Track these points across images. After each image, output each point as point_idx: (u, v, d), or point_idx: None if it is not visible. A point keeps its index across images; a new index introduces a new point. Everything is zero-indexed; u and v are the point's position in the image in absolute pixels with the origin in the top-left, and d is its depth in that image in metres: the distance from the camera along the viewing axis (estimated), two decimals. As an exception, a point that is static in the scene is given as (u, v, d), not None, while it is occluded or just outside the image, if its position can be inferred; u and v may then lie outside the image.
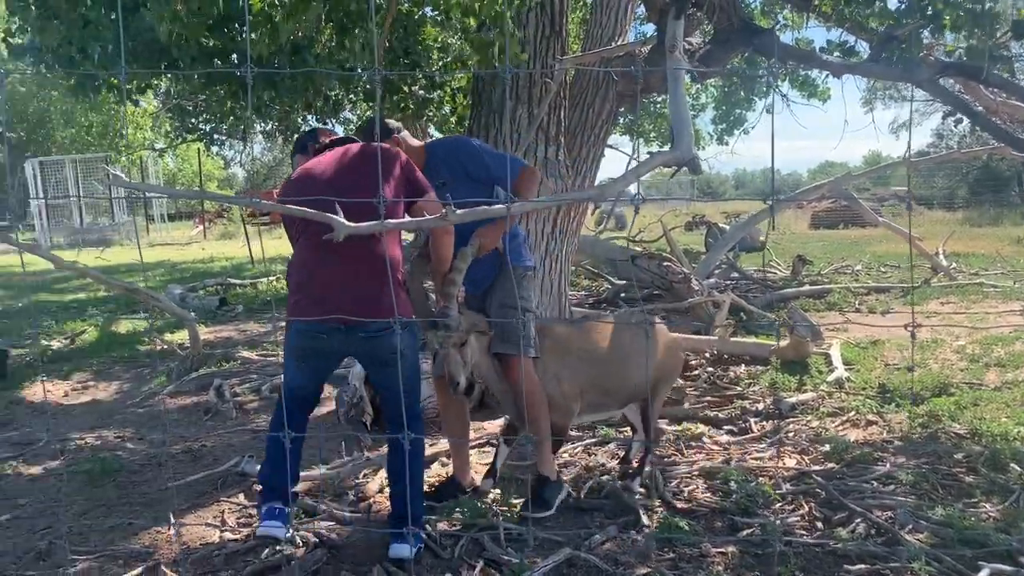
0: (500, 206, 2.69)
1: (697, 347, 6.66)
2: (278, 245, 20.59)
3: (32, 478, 4.49)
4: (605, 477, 4.14)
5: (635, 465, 4.12)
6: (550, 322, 4.15)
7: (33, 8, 5.68)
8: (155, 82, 8.17)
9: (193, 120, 11.82)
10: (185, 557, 3.35)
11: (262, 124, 12.41)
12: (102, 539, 3.60)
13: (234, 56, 7.28)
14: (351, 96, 9.57)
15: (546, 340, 3.81)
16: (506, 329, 3.61)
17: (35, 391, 6.45)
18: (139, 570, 3.24)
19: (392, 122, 3.91)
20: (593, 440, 4.77)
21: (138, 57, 5.98)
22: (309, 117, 10.27)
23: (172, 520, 3.74)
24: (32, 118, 32.04)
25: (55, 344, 8.25)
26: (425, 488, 4.00)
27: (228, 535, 3.58)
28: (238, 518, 3.80)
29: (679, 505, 3.78)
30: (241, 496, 4.06)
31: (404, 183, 3.27)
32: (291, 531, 3.39)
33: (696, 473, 4.19)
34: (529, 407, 3.66)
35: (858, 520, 3.49)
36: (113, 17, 5.81)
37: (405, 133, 3.83)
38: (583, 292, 10.58)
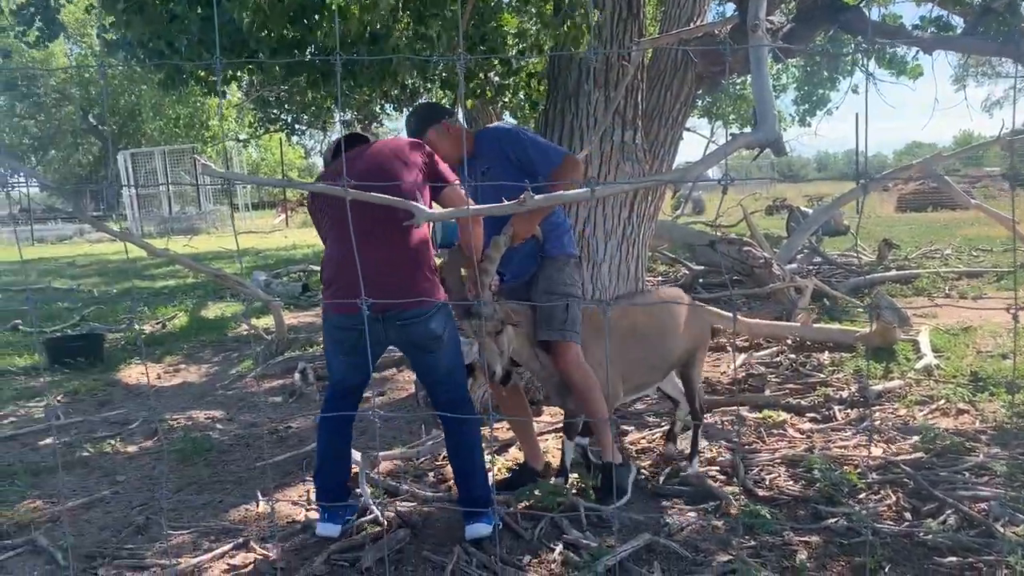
0: (584, 190, 2.62)
1: (779, 333, 6.53)
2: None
3: (129, 456, 4.69)
4: (684, 464, 4.11)
5: (681, 445, 4.24)
6: (587, 305, 4.09)
7: (122, 4, 5.89)
8: (239, 74, 8.36)
9: (275, 111, 12.11)
10: (274, 534, 3.46)
11: (341, 113, 12.62)
12: (195, 515, 3.75)
13: (312, 47, 7.42)
14: (428, 84, 9.64)
15: (586, 326, 3.74)
16: (550, 316, 3.58)
17: (130, 373, 6.74)
18: (230, 546, 3.37)
19: (444, 107, 3.88)
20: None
21: (222, 49, 6.14)
22: (387, 105, 10.41)
23: (261, 498, 3.87)
24: (123, 111, 33.34)
25: (148, 328, 8.59)
26: (500, 475, 4.04)
27: (314, 514, 3.69)
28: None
29: (760, 493, 3.72)
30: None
31: (427, 174, 3.31)
32: (375, 511, 3.47)
33: (778, 461, 4.11)
34: (581, 393, 3.64)
35: (949, 511, 3.37)
36: (199, 11, 5.99)
37: (456, 119, 3.81)
38: (660, 278, 10.46)
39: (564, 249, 3.76)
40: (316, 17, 6.45)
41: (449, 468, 4.13)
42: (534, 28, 8.87)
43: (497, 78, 9.46)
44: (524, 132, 3.72)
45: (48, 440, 5.02)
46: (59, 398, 6.04)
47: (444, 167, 3.38)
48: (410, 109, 3.76)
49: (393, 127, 33.55)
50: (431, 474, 4.16)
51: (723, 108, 20.69)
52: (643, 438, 4.54)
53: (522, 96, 9.73)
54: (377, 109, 13.40)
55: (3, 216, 33.46)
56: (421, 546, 3.28)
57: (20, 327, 8.93)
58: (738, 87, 17.91)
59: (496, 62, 8.76)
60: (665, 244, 10.81)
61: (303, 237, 21.21)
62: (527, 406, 4.12)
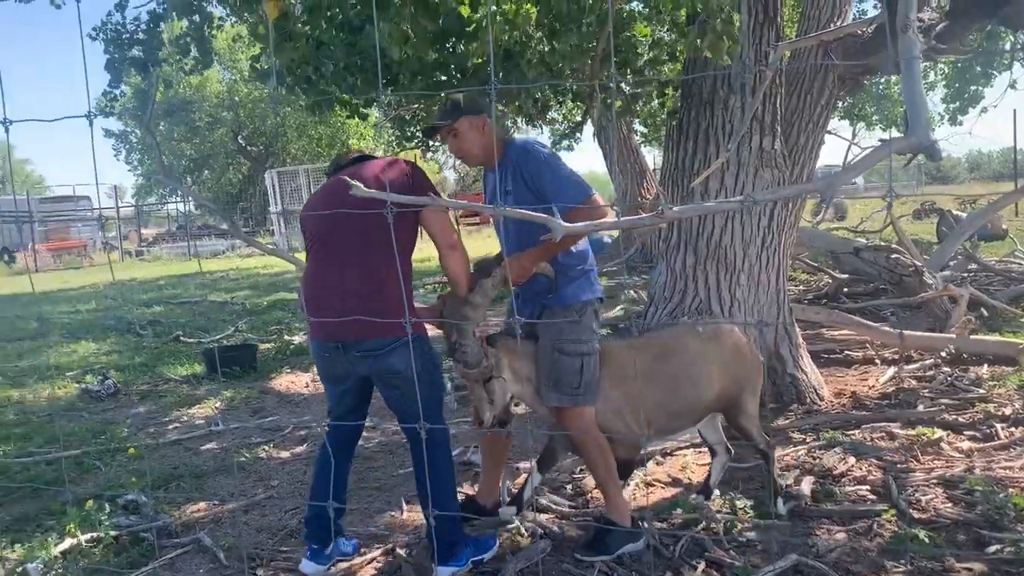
0: (737, 198, 2.38)
1: (932, 345, 6.18)
2: (488, 245, 21.33)
3: (282, 461, 4.94)
4: (834, 484, 3.94)
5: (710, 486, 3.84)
6: (605, 342, 3.54)
7: (273, 33, 6.25)
8: (382, 96, 8.66)
9: (411, 128, 12.48)
10: (419, 540, 3.56)
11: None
12: (343, 521, 3.90)
13: (451, 66, 7.61)
14: (559, 97, 9.70)
15: (602, 368, 3.34)
16: (558, 377, 3.21)
17: (281, 382, 7.09)
18: (378, 551, 3.49)
19: (485, 103, 3.51)
20: (818, 443, 4.55)
21: (364, 73, 6.40)
22: (519, 120, 10.54)
23: (404, 505, 4.00)
24: (269, 133, 35.24)
25: (296, 339, 9.01)
26: (640, 492, 4.00)
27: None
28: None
29: (916, 515, 3.53)
30: (466, 485, 4.25)
31: (406, 190, 3.04)
32: (516, 523, 3.51)
33: (934, 481, 3.88)
34: (584, 456, 3.39)
35: None
36: (343, 37, 6.27)
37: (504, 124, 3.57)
38: (801, 287, 10.11)
39: (578, 296, 3.30)
40: (454, 39, 6.64)
41: (587, 481, 4.14)
42: (668, 37, 8.78)
43: (627, 88, 9.43)
44: (546, 155, 3.24)
45: (210, 445, 5.36)
46: (217, 405, 6.43)
47: (427, 185, 3.14)
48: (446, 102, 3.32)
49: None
50: (569, 487, 4.17)
51: (863, 109, 19.80)
52: (787, 454, 4.39)
53: (656, 104, 9.64)
54: (508, 124, 13.61)
55: (163, 233, 36.02)
56: (561, 558, 3.30)
57: (181, 338, 9.55)
58: (881, 87, 17.10)
59: (628, 71, 8.73)
60: (806, 252, 10.43)
61: (432, 250, 21.73)
62: (506, 444, 3.79)
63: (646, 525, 3.48)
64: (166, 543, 3.73)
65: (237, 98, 33.86)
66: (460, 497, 3.81)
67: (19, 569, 3.48)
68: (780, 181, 5.50)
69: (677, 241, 5.64)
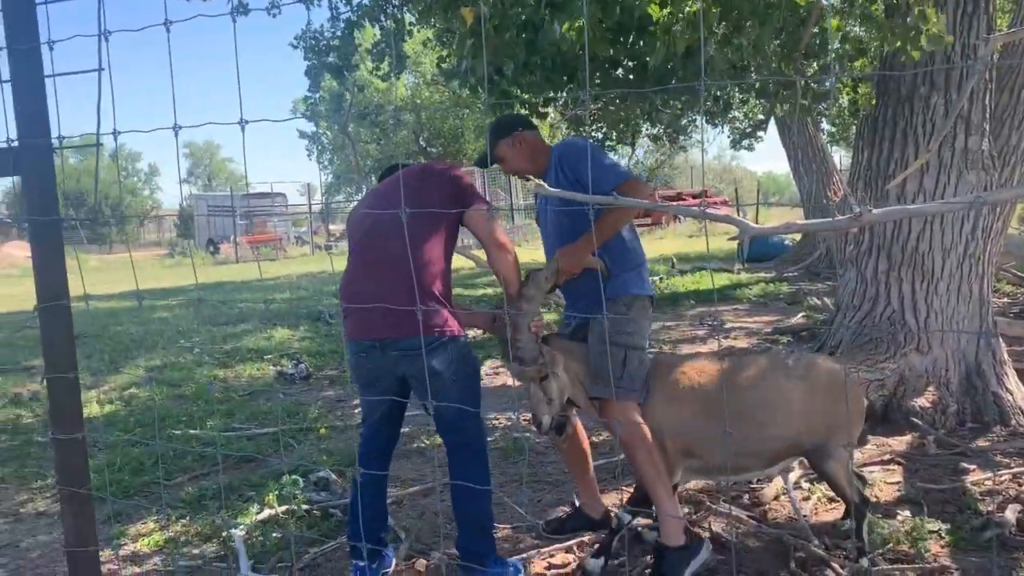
0: (968, 197, 2.21)
1: None
2: (659, 245, 21.06)
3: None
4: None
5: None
6: (666, 358, 3.37)
7: (456, 34, 6.46)
8: (560, 94, 8.78)
9: (587, 128, 12.54)
10: (598, 540, 3.59)
11: (649, 127, 12.76)
12: (514, 512, 3.99)
13: (628, 63, 7.57)
14: (741, 95, 9.45)
15: (651, 379, 3.18)
16: (600, 367, 3.09)
17: (456, 374, 7.32)
18: (552, 547, 3.54)
19: (518, 117, 3.58)
20: None
21: (545, 70, 6.49)
22: (698, 118, 10.36)
23: (576, 500, 4.03)
24: (448, 134, 36.44)
25: (471, 333, 9.28)
26: (821, 506, 3.82)
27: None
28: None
29: None
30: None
31: (448, 197, 3.09)
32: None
33: None
34: (631, 460, 3.16)
35: None
36: (523, 36, 6.40)
37: (534, 132, 3.44)
38: (1006, 299, 9.31)
39: (627, 288, 3.25)
40: (633, 36, 6.61)
41: (765, 491, 4.02)
42: (860, 31, 8.35)
43: (815, 84, 9.03)
44: (584, 146, 3.26)
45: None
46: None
47: (470, 188, 3.16)
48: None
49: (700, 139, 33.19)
50: (745, 496, 4.05)
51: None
52: (988, 479, 4.06)
53: (844, 102, 9.19)
54: (684, 122, 13.40)
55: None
56: (740, 569, 3.21)
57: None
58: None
59: (814, 67, 8.36)
60: (1012, 261, 9.60)
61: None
62: (584, 448, 3.70)
63: (706, 535, 3.36)
64: (352, 520, 3.96)
65: (419, 101, 35.24)
66: (567, 509, 3.83)
67: (225, 533, 3.81)
68: (988, 184, 5.10)
69: (869, 246, 5.35)
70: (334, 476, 4.37)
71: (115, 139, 2.05)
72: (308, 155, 41.22)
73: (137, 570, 3.58)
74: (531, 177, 3.15)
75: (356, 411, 6.21)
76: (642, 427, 3.08)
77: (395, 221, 2.92)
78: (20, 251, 36.40)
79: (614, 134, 12.61)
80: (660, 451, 3.09)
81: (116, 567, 3.59)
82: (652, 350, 3.49)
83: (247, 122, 1.84)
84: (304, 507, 4.01)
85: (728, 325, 8.70)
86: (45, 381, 2.07)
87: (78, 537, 2.18)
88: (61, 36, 2.05)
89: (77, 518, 2.17)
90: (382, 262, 3.05)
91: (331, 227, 38.62)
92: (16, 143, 2.09)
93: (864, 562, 3.07)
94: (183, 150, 68.38)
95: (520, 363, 2.98)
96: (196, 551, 3.73)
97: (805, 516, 3.66)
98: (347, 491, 4.26)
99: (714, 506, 3.82)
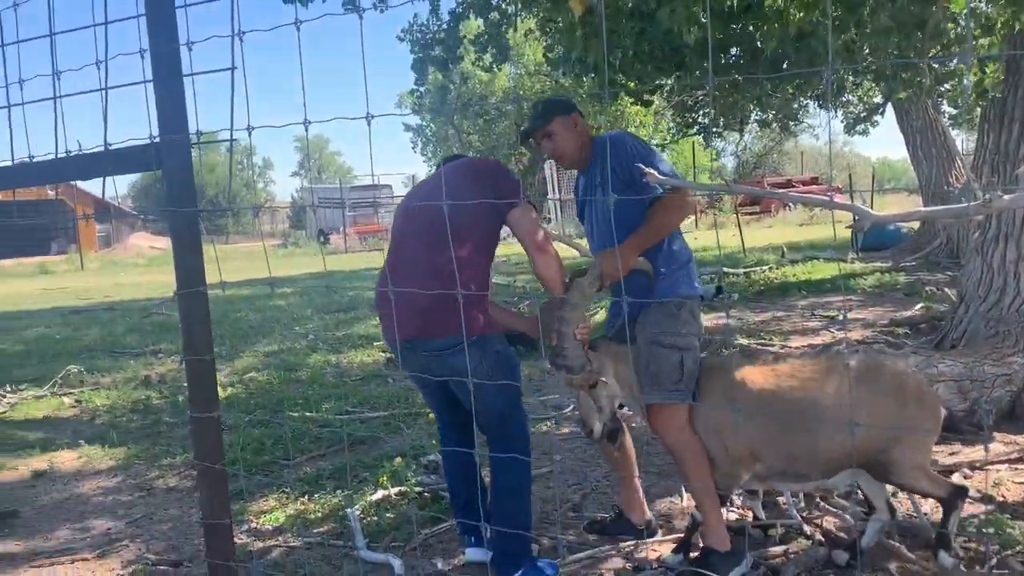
0: None
1: None
2: (768, 234, 20.53)
3: (563, 438, 5.15)
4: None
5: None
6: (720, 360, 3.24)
7: (560, 23, 6.48)
8: (667, 81, 8.68)
9: (693, 115, 12.35)
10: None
11: (759, 113, 12.46)
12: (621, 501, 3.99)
13: (733, 49, 7.41)
14: (856, 78, 9.10)
15: (706, 380, 3.08)
16: (656, 373, 3.00)
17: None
18: (659, 536, 3.54)
19: (567, 100, 3.40)
20: None
21: (653, 58, 6.44)
22: (810, 104, 10.05)
23: (684, 493, 4.00)
24: (550, 123, 36.47)
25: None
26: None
27: (732, 515, 3.71)
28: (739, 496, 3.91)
29: None
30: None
31: (490, 196, 2.97)
32: (798, 523, 3.39)
33: None
34: (679, 464, 3.11)
35: None
36: (632, 25, 6.36)
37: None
38: None
39: (676, 290, 3.12)
40: (742, 21, 6.47)
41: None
42: (987, 7, 7.91)
43: (936, 65, 8.62)
44: (634, 144, 3.12)
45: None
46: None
47: (509, 186, 3.08)
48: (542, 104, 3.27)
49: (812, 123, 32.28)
50: (860, 492, 3.93)
51: None
52: None
53: (968, 82, 8.72)
54: (796, 107, 13.01)
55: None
56: (849, 570, 3.13)
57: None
58: None
59: (937, 48, 7.98)
60: None
61: (712, 239, 21.32)
62: (630, 453, 3.59)
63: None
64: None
65: (521, 92, 35.36)
66: (610, 514, 3.74)
67: (340, 512, 3.96)
68: None
69: (996, 233, 5.10)
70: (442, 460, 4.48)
71: (249, 134, 2.16)
72: (412, 147, 42.08)
73: (261, 544, 3.76)
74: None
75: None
76: (692, 434, 3.05)
77: (432, 218, 2.91)
78: (145, 242, 38.59)
79: (721, 120, 12.39)
80: (722, 454, 3.02)
81: (241, 540, 3.79)
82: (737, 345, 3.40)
83: (373, 116, 1.91)
84: (416, 489, 4.13)
85: (842, 316, 8.43)
86: (184, 362, 2.20)
87: (213, 510, 2.32)
88: (198, 38, 2.17)
89: (212, 492, 2.31)
90: (414, 260, 3.02)
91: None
92: (157, 139, 2.22)
93: (943, 556, 2.92)
94: (294, 144, 70.89)
95: (568, 371, 2.92)
96: (315, 529, 3.90)
97: (926, 514, 3.53)
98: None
99: (822, 503, 3.72)
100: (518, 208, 3.00)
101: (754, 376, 3.08)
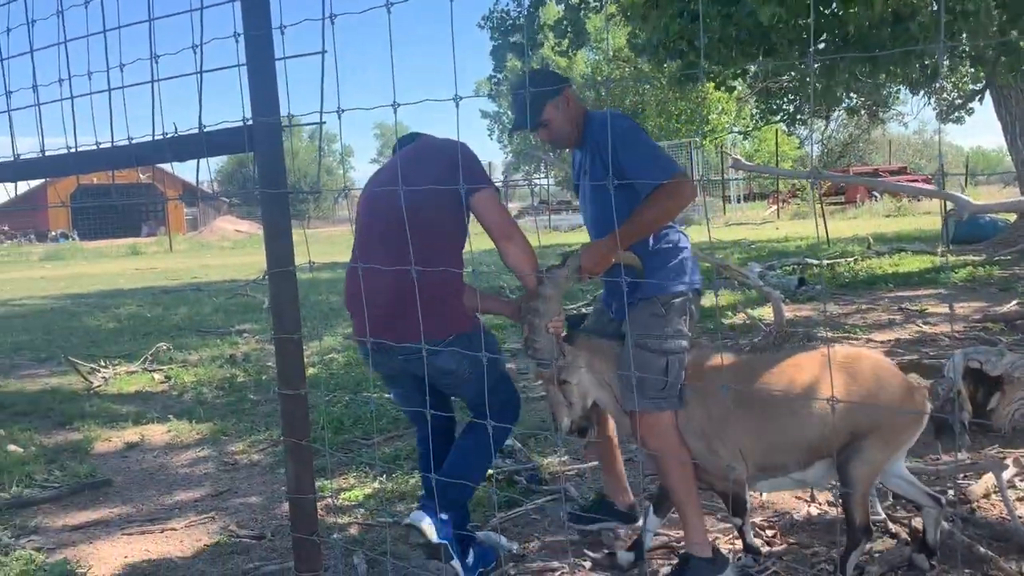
0: None
1: None
2: (853, 225, 19.94)
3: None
4: None
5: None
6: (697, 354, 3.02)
7: (669, 11, 6.37)
8: (751, 67, 8.50)
9: (777, 101, 12.05)
10: (777, 520, 3.50)
11: (848, 100, 12.07)
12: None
13: (825, 34, 7.19)
14: (952, 62, 8.74)
15: (687, 379, 2.90)
16: (641, 379, 2.71)
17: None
18: (720, 527, 3.49)
19: (559, 74, 3.12)
20: None
21: (739, 43, 6.30)
22: (901, 89, 9.69)
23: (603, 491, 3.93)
24: (628, 110, 36.12)
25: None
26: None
27: (813, 510, 3.63)
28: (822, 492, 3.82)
29: None
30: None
31: (448, 179, 2.75)
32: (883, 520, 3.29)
33: None
34: (661, 471, 2.98)
35: None
36: (718, 9, 6.23)
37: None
38: None
39: (666, 287, 2.88)
40: (832, 5, 6.28)
41: (974, 489, 3.75)
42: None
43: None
44: (624, 127, 2.86)
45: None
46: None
47: (477, 170, 2.87)
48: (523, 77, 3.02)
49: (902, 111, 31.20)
50: (950, 491, 3.80)
51: None
52: None
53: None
54: (885, 93, 12.57)
55: (526, 207, 38.68)
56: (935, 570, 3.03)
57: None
58: None
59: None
60: None
61: (794, 229, 20.80)
62: (612, 440, 3.44)
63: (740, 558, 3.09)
64: (536, 488, 4.06)
65: (600, 77, 35.12)
66: (591, 497, 3.66)
67: (419, 492, 4.02)
68: None
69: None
70: (518, 444, 4.50)
71: (339, 117, 2.19)
72: (489, 134, 42.21)
73: (341, 521, 3.85)
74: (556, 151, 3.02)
75: (538, 382, 6.34)
76: (678, 441, 2.90)
77: (389, 208, 2.72)
78: (230, 225, 39.80)
79: (805, 108, 12.06)
80: (713, 457, 2.88)
81: (321, 516, 3.88)
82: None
83: (461, 98, 1.92)
84: (490, 472, 4.15)
85: (929, 310, 8.13)
86: (273, 341, 2.26)
87: (299, 484, 2.37)
88: (290, 21, 2.21)
89: (298, 467, 2.37)
90: (382, 256, 2.81)
91: (510, 205, 39.38)
92: (250, 121, 2.28)
93: None
94: (373, 131, 71.93)
95: (538, 364, 2.83)
96: (394, 508, 3.96)
97: (1021, 518, 3.38)
98: (530, 459, 4.37)
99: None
100: (483, 192, 2.81)
101: (730, 369, 2.95)
